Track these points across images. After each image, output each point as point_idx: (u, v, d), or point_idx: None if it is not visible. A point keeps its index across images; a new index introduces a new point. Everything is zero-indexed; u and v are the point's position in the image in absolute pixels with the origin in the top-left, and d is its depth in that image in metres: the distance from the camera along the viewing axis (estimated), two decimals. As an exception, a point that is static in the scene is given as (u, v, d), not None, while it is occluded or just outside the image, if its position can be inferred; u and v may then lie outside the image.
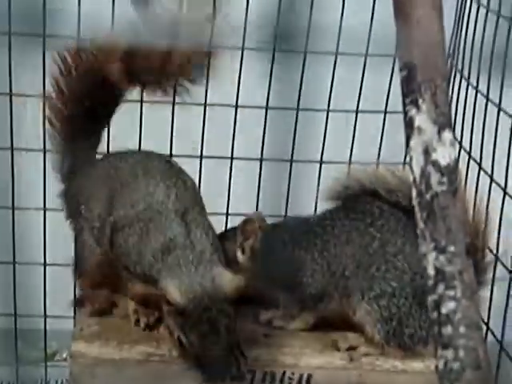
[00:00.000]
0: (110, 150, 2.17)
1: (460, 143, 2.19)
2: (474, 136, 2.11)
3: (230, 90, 2.22)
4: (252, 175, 2.29)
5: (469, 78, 2.16)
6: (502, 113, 1.98)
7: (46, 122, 2.08)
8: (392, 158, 2.18)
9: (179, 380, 1.79)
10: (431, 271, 1.29)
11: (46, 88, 2.08)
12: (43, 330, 2.42)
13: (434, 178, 1.30)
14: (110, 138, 2.15)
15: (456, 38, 2.26)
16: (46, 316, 2.38)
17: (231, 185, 2.30)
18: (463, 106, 2.17)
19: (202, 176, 2.27)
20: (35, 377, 2.61)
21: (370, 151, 2.25)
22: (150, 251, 1.78)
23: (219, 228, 2.16)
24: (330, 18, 2.20)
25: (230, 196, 2.30)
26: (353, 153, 2.30)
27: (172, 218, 1.81)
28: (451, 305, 1.28)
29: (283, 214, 2.27)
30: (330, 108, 2.28)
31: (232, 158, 2.29)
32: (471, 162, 2.12)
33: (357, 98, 2.28)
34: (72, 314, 2.05)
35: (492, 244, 1.94)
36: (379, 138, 2.32)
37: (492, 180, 2.02)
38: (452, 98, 2.20)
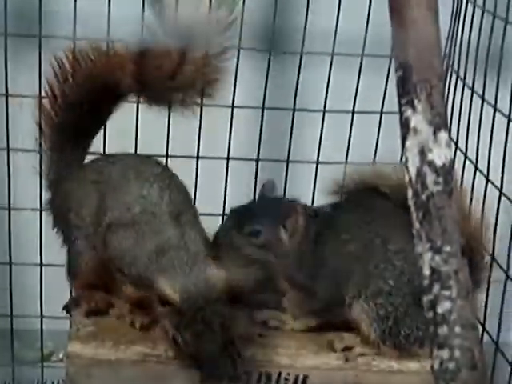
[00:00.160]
0: (107, 150, 2.18)
1: (456, 144, 2.19)
2: (469, 136, 2.12)
3: (226, 91, 2.22)
4: (248, 176, 2.29)
5: (464, 78, 2.16)
6: (497, 113, 1.98)
7: (39, 129, 2.08)
8: (388, 158, 2.18)
9: (175, 380, 1.79)
10: (427, 271, 1.29)
11: (42, 89, 2.08)
12: (39, 330, 2.42)
13: (430, 178, 1.31)
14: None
15: (452, 39, 2.27)
16: (42, 316, 2.38)
17: (227, 185, 2.30)
18: (459, 106, 2.17)
19: (199, 177, 2.27)
20: (31, 377, 2.61)
21: (366, 152, 2.25)
22: (145, 253, 1.78)
23: (215, 229, 2.16)
24: (326, 19, 2.20)
25: (226, 197, 2.31)
26: (349, 153, 2.31)
27: (166, 220, 1.81)
28: (447, 305, 1.28)
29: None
30: (326, 109, 2.28)
31: (228, 159, 2.29)
32: (467, 162, 2.12)
33: (353, 98, 2.28)
34: (68, 315, 2.04)
35: (488, 245, 1.94)
36: (375, 139, 2.32)
37: (488, 180, 2.02)
38: (448, 98, 2.21)
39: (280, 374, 1.83)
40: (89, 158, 2.11)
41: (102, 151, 2.17)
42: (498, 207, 1.96)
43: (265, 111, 2.25)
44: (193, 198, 2.29)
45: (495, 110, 1.99)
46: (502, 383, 2.02)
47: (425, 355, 1.81)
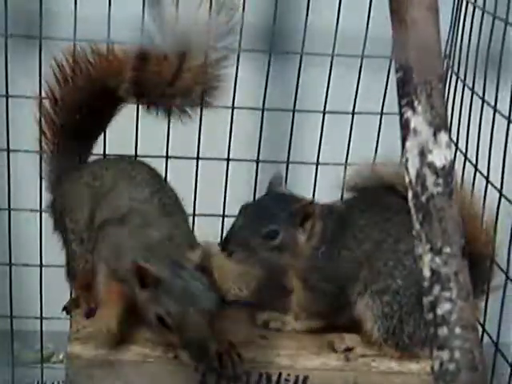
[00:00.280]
0: (107, 151, 2.18)
1: (456, 145, 2.19)
2: (469, 138, 2.11)
3: (226, 92, 2.22)
4: (248, 177, 2.29)
5: (465, 79, 2.16)
6: (497, 114, 1.98)
7: (39, 130, 2.08)
8: (388, 159, 2.18)
9: (175, 381, 1.79)
10: (427, 272, 1.30)
11: (42, 91, 2.08)
12: (39, 331, 2.42)
13: (430, 179, 1.31)
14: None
15: (452, 40, 2.27)
16: (42, 317, 2.38)
17: (227, 186, 2.30)
18: (459, 107, 2.17)
19: (199, 177, 2.27)
20: (31, 378, 2.61)
21: (366, 153, 2.25)
22: (130, 249, 1.78)
23: (215, 230, 2.16)
24: (326, 20, 2.20)
25: (227, 198, 2.31)
26: (349, 154, 2.30)
27: (154, 218, 1.82)
28: (447, 306, 1.28)
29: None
30: (326, 110, 2.28)
31: (228, 160, 2.29)
32: (467, 163, 2.12)
33: (353, 99, 2.28)
34: (68, 316, 2.04)
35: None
36: (375, 140, 2.32)
37: (488, 182, 2.02)
38: (448, 99, 2.20)
39: (280, 374, 1.83)
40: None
41: (102, 152, 2.17)
42: (498, 208, 1.96)
43: (266, 112, 2.25)
44: (193, 198, 2.30)
45: (495, 111, 1.98)
46: (501, 384, 2.02)
47: (425, 356, 1.81)
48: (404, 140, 1.33)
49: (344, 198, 2.00)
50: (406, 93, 1.33)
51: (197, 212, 2.32)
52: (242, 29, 2.13)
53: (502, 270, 1.96)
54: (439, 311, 1.28)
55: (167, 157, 2.26)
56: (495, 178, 1.99)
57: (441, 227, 1.30)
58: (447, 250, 1.29)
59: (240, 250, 1.82)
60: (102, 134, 2.16)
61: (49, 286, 2.32)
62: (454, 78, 2.24)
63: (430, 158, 1.31)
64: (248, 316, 1.95)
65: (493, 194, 1.99)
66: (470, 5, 2.16)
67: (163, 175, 2.24)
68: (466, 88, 2.15)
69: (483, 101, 2.04)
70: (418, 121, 1.32)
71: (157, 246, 1.79)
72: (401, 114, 1.33)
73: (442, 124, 1.32)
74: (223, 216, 2.29)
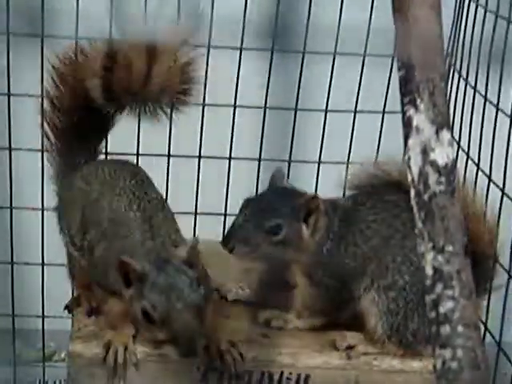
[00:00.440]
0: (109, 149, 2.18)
1: (458, 143, 2.18)
2: (472, 136, 2.11)
3: (229, 90, 2.22)
4: (251, 175, 2.29)
5: (467, 77, 2.16)
6: (500, 112, 1.98)
7: (41, 129, 2.08)
8: (390, 157, 2.18)
9: (176, 380, 1.79)
10: (429, 271, 1.29)
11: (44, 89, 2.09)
12: (41, 330, 2.42)
13: (432, 177, 1.30)
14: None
15: (454, 38, 2.26)
16: (43, 316, 2.38)
17: (229, 185, 2.30)
18: (461, 105, 2.17)
19: (201, 176, 2.27)
20: (33, 377, 2.61)
21: (369, 151, 2.25)
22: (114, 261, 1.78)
23: (217, 229, 2.16)
24: (329, 18, 2.20)
25: (228, 196, 2.31)
26: (351, 153, 2.30)
27: (134, 226, 1.81)
28: (449, 304, 1.28)
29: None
30: (329, 108, 2.28)
31: (230, 158, 2.29)
32: (469, 162, 2.12)
33: (355, 97, 2.28)
34: (70, 314, 2.04)
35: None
36: (377, 138, 2.32)
37: (490, 180, 2.02)
38: (450, 97, 2.20)
39: (282, 373, 1.82)
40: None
41: (104, 151, 2.17)
42: (501, 207, 1.95)
43: (268, 111, 2.25)
44: (194, 197, 2.30)
45: (497, 109, 1.98)
46: (503, 383, 2.02)
47: (428, 354, 1.81)
48: (406, 138, 1.33)
49: (346, 195, 1.99)
50: (408, 91, 1.33)
51: (198, 211, 2.32)
52: (245, 26, 2.14)
53: (504, 268, 1.95)
54: (442, 309, 1.28)
55: (169, 155, 2.26)
56: (497, 176, 1.99)
57: (443, 225, 1.30)
58: (449, 248, 1.29)
59: (242, 245, 1.81)
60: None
61: (50, 285, 2.32)
62: (456, 76, 2.24)
63: (432, 156, 1.30)
64: (250, 314, 1.95)
65: (495, 193, 1.99)
66: (472, 3, 2.16)
67: (164, 174, 2.25)
68: (468, 86, 2.15)
69: (485, 99, 2.04)
70: (420, 119, 1.31)
71: (139, 246, 1.78)
72: (403, 112, 1.33)
73: (444, 122, 1.32)
74: (225, 215, 2.29)
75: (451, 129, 1.34)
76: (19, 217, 2.28)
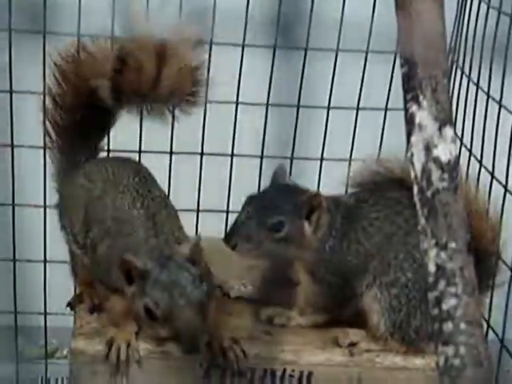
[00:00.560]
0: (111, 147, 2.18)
1: (461, 140, 2.18)
2: (474, 133, 2.11)
3: (231, 87, 2.22)
4: (253, 172, 2.29)
5: (470, 73, 2.16)
6: (503, 109, 1.97)
7: (43, 126, 2.08)
8: (393, 154, 2.18)
9: (179, 377, 1.79)
10: (432, 268, 1.29)
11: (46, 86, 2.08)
12: (43, 327, 2.42)
13: (435, 174, 1.30)
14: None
15: (457, 34, 2.26)
16: (46, 313, 2.38)
17: (232, 182, 2.30)
18: (464, 102, 2.16)
19: (203, 173, 2.27)
20: (35, 374, 2.61)
21: (371, 148, 2.25)
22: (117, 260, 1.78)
23: (220, 226, 2.16)
24: (331, 15, 2.20)
25: (231, 193, 2.30)
26: (353, 150, 2.30)
27: (137, 224, 1.81)
28: (452, 301, 1.27)
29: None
30: (331, 105, 2.27)
31: (232, 155, 2.29)
32: (472, 158, 2.12)
33: (357, 94, 2.28)
34: (72, 312, 2.04)
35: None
36: (380, 135, 2.32)
37: (493, 177, 2.01)
38: (453, 94, 2.20)
39: (285, 370, 1.83)
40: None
41: (106, 148, 2.17)
42: (503, 203, 1.95)
43: (271, 108, 2.25)
44: (197, 194, 2.30)
45: (500, 106, 1.98)
46: (506, 380, 2.02)
47: (430, 351, 1.81)
48: (409, 135, 1.32)
49: (349, 192, 1.99)
50: (411, 87, 1.32)
51: (200, 208, 2.32)
52: (247, 23, 2.13)
53: (507, 265, 1.95)
54: (444, 306, 1.28)
55: (171, 152, 2.26)
56: (500, 173, 1.98)
57: (446, 222, 1.29)
58: (452, 245, 1.29)
59: (244, 242, 1.81)
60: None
61: (53, 282, 2.32)
62: (458, 72, 2.23)
63: (435, 152, 1.30)
64: (252, 311, 1.95)
65: (498, 190, 1.99)
66: (475, -1, 2.16)
67: (167, 171, 2.25)
68: (470, 82, 2.15)
69: (488, 95, 2.04)
70: (423, 115, 1.31)
71: (143, 244, 1.78)
72: (406, 109, 1.33)
73: (447, 119, 1.31)
74: (227, 212, 2.29)
75: (454, 125, 1.34)
76: (21, 214, 2.28)
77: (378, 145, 2.31)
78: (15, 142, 2.19)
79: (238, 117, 2.25)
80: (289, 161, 2.28)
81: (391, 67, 2.23)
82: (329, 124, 2.28)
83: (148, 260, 1.71)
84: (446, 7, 1.34)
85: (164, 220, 1.84)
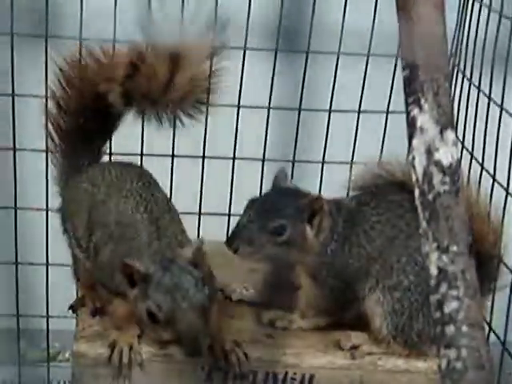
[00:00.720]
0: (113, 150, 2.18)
1: (462, 143, 2.18)
2: (476, 136, 2.11)
3: (233, 91, 2.22)
4: (255, 176, 2.29)
5: (471, 77, 2.16)
6: (504, 112, 1.98)
7: (45, 130, 2.09)
8: (394, 157, 2.18)
9: (182, 380, 1.79)
10: (434, 271, 1.29)
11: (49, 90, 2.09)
12: (46, 330, 2.43)
13: (437, 177, 1.30)
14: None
15: (458, 38, 2.26)
16: (48, 316, 2.38)
17: (233, 185, 2.30)
18: (465, 105, 2.17)
19: (205, 176, 2.27)
20: (37, 377, 2.61)
21: (372, 151, 2.25)
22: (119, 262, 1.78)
23: (221, 229, 2.16)
24: (333, 18, 2.20)
25: (233, 196, 2.30)
26: (355, 153, 2.30)
27: (140, 227, 1.81)
28: (454, 304, 1.27)
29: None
30: (332, 108, 2.28)
31: (234, 159, 2.29)
32: (473, 162, 2.12)
33: (359, 97, 2.28)
34: (74, 315, 2.05)
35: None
36: (381, 138, 2.32)
37: (494, 180, 2.02)
38: (454, 97, 2.20)
39: (286, 373, 1.83)
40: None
41: (108, 151, 2.17)
42: (505, 206, 1.95)
43: (271, 111, 2.25)
44: (199, 197, 2.30)
45: (501, 109, 1.98)
46: (508, 383, 2.02)
47: (432, 355, 1.81)
48: (410, 138, 1.33)
49: (350, 195, 1.99)
50: (412, 91, 1.33)
51: (202, 211, 2.32)
52: (248, 27, 2.14)
53: (509, 268, 1.95)
54: (446, 309, 1.28)
55: (173, 155, 2.26)
56: (502, 176, 1.99)
57: (447, 225, 1.30)
58: (454, 248, 1.29)
59: (246, 245, 1.81)
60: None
61: (55, 285, 2.32)
62: (460, 76, 2.24)
63: (436, 156, 1.30)
64: (254, 315, 1.95)
65: (499, 193, 1.99)
66: (476, 2, 2.16)
67: (169, 174, 2.25)
68: (471, 86, 2.15)
69: (489, 99, 2.04)
70: (424, 119, 1.31)
71: (146, 247, 1.78)
72: (407, 112, 1.33)
73: (448, 122, 1.32)
74: (229, 215, 2.29)
75: (455, 129, 1.34)
76: (24, 217, 2.29)
77: (380, 148, 2.31)
78: (17, 146, 2.19)
79: (239, 120, 2.25)
80: (290, 164, 2.28)
81: (392, 70, 2.23)
82: (330, 127, 2.28)
83: (150, 263, 1.72)
84: (447, 11, 1.34)
85: (167, 224, 1.84)
